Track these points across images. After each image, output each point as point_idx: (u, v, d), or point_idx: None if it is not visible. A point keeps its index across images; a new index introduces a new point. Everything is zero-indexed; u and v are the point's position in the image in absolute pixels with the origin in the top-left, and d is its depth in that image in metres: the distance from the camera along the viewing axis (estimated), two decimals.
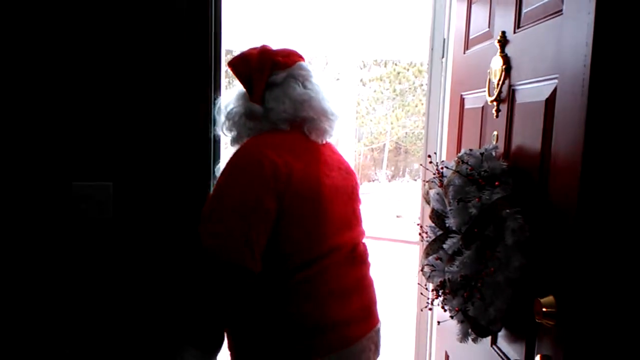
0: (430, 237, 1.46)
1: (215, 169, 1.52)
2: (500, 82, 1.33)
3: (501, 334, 1.30)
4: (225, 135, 1.43)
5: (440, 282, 1.34)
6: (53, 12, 1.44)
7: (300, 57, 1.44)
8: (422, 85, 14.57)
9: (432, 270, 1.38)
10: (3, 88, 1.44)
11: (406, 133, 15.84)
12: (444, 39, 2.05)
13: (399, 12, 11.57)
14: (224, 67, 1.56)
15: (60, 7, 1.44)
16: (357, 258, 1.40)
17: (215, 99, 1.52)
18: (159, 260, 1.53)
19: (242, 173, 1.25)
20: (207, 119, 1.52)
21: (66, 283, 1.51)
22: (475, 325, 1.24)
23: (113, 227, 1.52)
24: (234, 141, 1.40)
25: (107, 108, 1.49)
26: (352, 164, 1.60)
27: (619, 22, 0.90)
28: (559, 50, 1.05)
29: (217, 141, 1.56)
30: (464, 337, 1.29)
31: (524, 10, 1.25)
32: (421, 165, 1.99)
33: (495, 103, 1.38)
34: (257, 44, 1.43)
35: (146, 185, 1.52)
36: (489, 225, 1.17)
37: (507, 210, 1.13)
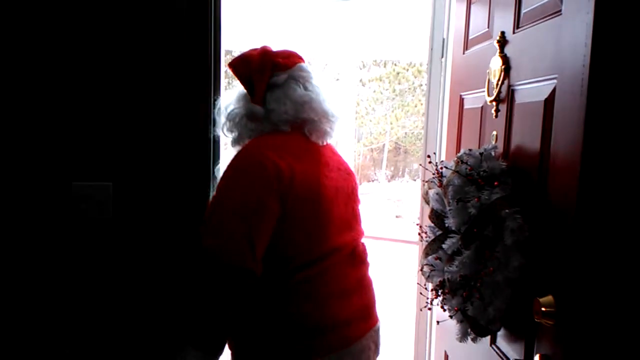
0: (429, 237, 1.46)
1: (215, 170, 1.52)
2: (500, 82, 1.33)
3: (500, 333, 1.30)
4: (226, 136, 1.43)
5: (440, 281, 1.34)
6: (53, 13, 1.44)
7: (301, 59, 1.44)
8: (421, 85, 14.55)
9: (431, 270, 1.38)
10: (3, 88, 1.44)
11: (405, 133, 15.83)
12: (444, 39, 2.05)
13: (398, 12, 11.55)
14: (224, 68, 1.56)
15: (60, 8, 1.44)
16: (356, 258, 1.41)
17: (215, 100, 1.52)
18: (159, 260, 1.53)
19: (243, 175, 1.25)
20: (206, 119, 1.52)
21: (66, 283, 1.52)
22: (474, 325, 1.25)
23: (113, 227, 1.52)
24: (234, 142, 1.40)
25: (107, 108, 1.49)
26: (352, 164, 1.60)
27: (617, 22, 0.90)
28: (558, 51, 1.05)
29: (216, 141, 1.56)
30: (463, 336, 1.29)
31: (523, 11, 1.25)
32: (420, 165, 2.00)
33: (494, 103, 1.38)
34: (257, 44, 1.43)
35: (146, 185, 1.52)
36: (488, 225, 1.17)
37: (506, 210, 1.13)
